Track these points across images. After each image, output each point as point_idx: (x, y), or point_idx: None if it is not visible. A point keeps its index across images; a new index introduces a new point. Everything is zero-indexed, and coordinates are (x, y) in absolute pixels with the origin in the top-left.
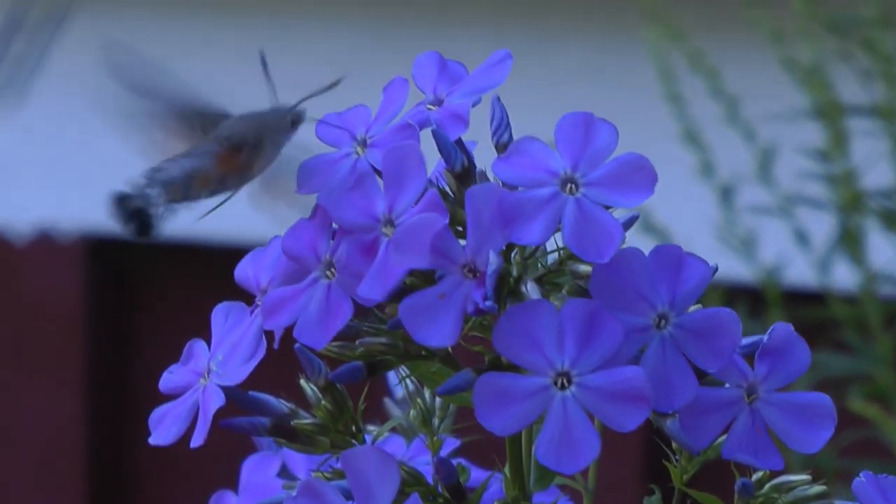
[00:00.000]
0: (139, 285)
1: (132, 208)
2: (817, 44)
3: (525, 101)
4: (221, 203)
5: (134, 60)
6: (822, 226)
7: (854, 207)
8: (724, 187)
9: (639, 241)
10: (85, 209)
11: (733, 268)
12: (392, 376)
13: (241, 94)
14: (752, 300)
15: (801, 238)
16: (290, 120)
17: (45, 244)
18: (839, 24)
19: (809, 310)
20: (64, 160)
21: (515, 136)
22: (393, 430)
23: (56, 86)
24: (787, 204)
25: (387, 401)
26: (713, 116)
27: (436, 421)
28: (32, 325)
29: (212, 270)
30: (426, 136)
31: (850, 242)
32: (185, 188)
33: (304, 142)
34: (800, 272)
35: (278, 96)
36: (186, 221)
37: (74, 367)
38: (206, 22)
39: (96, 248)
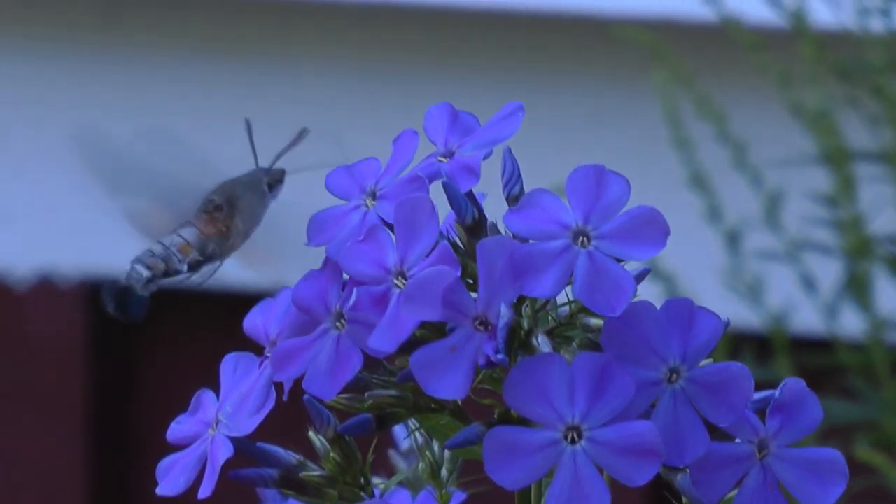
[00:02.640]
0: (141, 331)
1: (117, 290)
2: (825, 89)
3: (529, 146)
4: (213, 272)
5: (107, 151)
6: (830, 272)
7: (861, 253)
8: (731, 232)
9: (645, 287)
10: (86, 254)
11: (740, 314)
12: (398, 429)
13: (237, 143)
14: (758, 347)
15: (808, 284)
16: (267, 181)
17: (47, 289)
18: (847, 70)
19: (816, 356)
20: (65, 204)
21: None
22: (399, 482)
23: (55, 128)
24: (794, 249)
25: (392, 453)
26: (720, 161)
27: (444, 473)
28: (34, 370)
29: (215, 316)
30: (437, 188)
31: (857, 288)
32: (167, 260)
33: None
34: (807, 318)
35: (258, 160)
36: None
37: (76, 413)
38: (203, 70)
39: (98, 292)
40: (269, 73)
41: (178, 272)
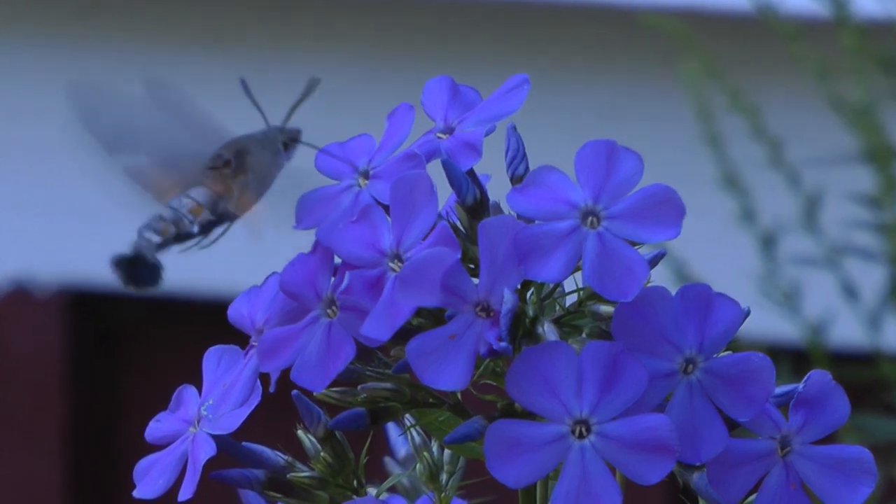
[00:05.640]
0: (125, 343)
1: (129, 258)
2: (868, 82)
3: (545, 142)
4: (221, 235)
5: (105, 105)
6: (872, 279)
7: None
8: (766, 236)
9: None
10: (65, 260)
11: (775, 324)
12: (394, 432)
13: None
14: (795, 359)
15: (850, 292)
16: (282, 140)
17: (22, 299)
18: (892, 62)
19: (857, 370)
20: (41, 205)
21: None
22: (394, 490)
23: (29, 123)
24: (835, 255)
25: (387, 460)
26: (754, 159)
27: (443, 477)
28: (8, 387)
29: (201, 326)
30: (437, 168)
31: None
32: (178, 223)
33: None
34: (847, 329)
35: (267, 119)
36: (178, 273)
37: (54, 433)
38: (202, 57)
39: (78, 302)
40: (265, 62)
41: (189, 235)
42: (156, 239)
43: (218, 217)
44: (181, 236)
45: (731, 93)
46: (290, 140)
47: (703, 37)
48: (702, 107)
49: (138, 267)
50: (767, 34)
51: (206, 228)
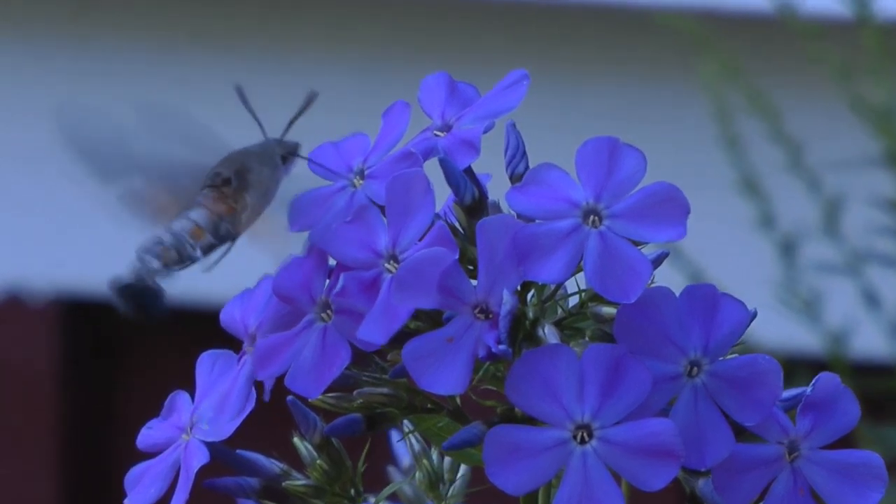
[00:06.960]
0: (121, 353)
1: (129, 287)
2: (889, 83)
3: (555, 147)
4: (223, 255)
5: (94, 131)
6: (895, 286)
7: None
8: (785, 242)
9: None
10: (61, 264)
11: (794, 333)
12: (396, 439)
13: (234, 135)
14: (815, 370)
15: (871, 300)
16: (281, 153)
17: (14, 308)
18: None
19: (880, 381)
20: (34, 210)
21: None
22: (395, 499)
23: (23, 126)
24: (856, 261)
25: (391, 469)
26: (773, 162)
27: (442, 485)
28: (3, 393)
29: (198, 336)
30: (434, 166)
31: None
32: (179, 248)
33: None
34: (869, 338)
35: (265, 129)
36: (173, 278)
37: (48, 445)
38: (201, 57)
39: (72, 311)
40: (263, 62)
41: (192, 259)
42: (156, 264)
43: (219, 239)
44: (183, 260)
45: (749, 94)
46: (288, 153)
47: (720, 37)
48: (719, 109)
49: (143, 296)
50: (787, 34)
51: (207, 251)
